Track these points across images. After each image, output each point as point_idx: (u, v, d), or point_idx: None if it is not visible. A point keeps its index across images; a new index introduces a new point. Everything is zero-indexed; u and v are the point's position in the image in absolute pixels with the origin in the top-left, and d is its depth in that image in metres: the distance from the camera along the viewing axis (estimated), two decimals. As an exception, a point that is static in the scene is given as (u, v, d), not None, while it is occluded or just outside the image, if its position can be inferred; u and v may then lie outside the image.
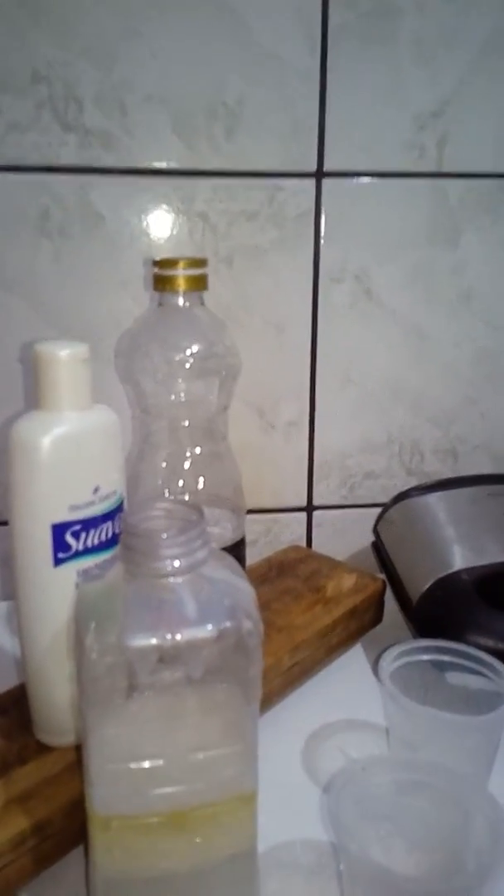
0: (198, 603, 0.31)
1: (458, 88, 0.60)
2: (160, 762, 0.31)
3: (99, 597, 0.32)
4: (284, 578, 0.58)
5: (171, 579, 0.31)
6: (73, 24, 0.54)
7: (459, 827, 0.36)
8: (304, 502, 0.69)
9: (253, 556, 0.63)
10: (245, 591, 0.32)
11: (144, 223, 0.59)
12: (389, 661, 0.43)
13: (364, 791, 0.36)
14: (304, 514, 0.69)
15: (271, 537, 0.69)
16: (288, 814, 0.41)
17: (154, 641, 0.30)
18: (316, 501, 0.69)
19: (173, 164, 0.58)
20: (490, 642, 0.46)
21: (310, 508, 0.69)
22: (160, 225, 0.59)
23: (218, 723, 0.32)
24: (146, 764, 0.31)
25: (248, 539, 0.62)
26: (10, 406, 0.60)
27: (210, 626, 0.30)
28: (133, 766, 0.31)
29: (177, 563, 0.30)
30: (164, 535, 0.31)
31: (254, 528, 0.68)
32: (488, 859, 0.32)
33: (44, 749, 0.40)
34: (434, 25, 0.58)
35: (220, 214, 0.60)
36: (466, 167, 0.62)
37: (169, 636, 0.30)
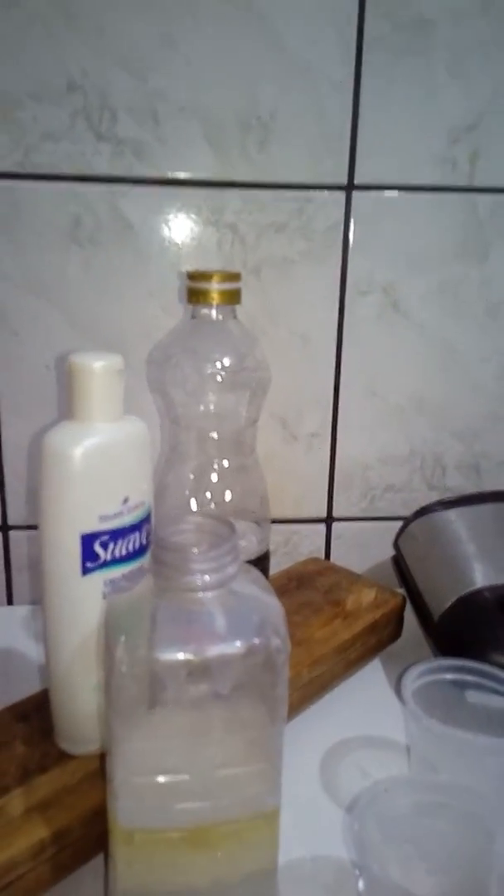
0: (227, 618, 0.31)
1: (493, 101, 0.60)
2: (185, 777, 0.31)
3: (128, 609, 0.32)
4: (304, 591, 0.58)
5: (202, 594, 0.31)
6: (109, 32, 0.55)
7: (481, 850, 0.36)
8: (323, 514, 0.69)
9: (272, 567, 0.63)
10: (273, 607, 0.32)
11: (174, 233, 0.59)
12: (412, 680, 0.43)
13: (386, 811, 0.36)
14: (323, 526, 0.69)
15: (290, 548, 0.69)
16: (305, 829, 0.41)
17: (183, 656, 0.30)
18: (336, 513, 0.69)
19: (204, 175, 0.59)
20: (513, 663, 0.46)
21: (329, 520, 0.69)
22: (189, 235, 0.60)
23: (243, 740, 0.32)
24: (171, 778, 0.31)
25: (269, 551, 0.62)
26: (39, 411, 0.60)
27: (239, 643, 0.30)
28: (158, 779, 0.31)
29: (207, 578, 0.31)
30: (196, 550, 0.31)
31: (273, 538, 0.67)
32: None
33: (65, 757, 0.40)
34: (469, 37, 0.58)
35: (249, 226, 0.60)
36: (498, 182, 0.61)
37: (198, 651, 0.30)
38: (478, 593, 0.52)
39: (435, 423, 0.67)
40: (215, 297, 0.48)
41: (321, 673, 0.51)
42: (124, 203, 0.58)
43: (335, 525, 0.69)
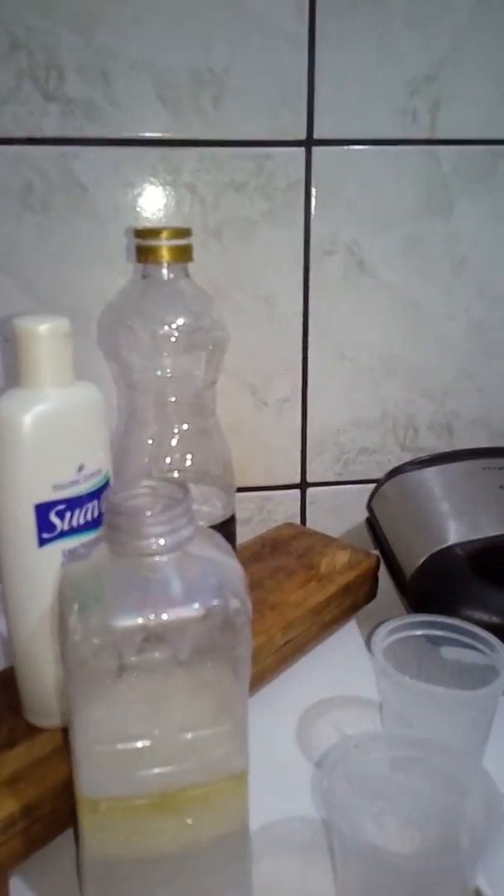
0: (184, 582, 0.30)
1: (451, 51, 0.58)
2: (148, 743, 0.31)
3: (83, 577, 0.31)
4: (277, 556, 0.57)
5: (156, 558, 0.30)
6: (53, -12, 0.53)
7: (454, 803, 0.36)
8: (297, 479, 0.68)
9: (246, 535, 0.63)
10: (232, 569, 0.32)
11: (130, 195, 0.58)
12: (383, 637, 0.43)
13: (357, 768, 0.35)
14: (297, 492, 0.69)
15: (265, 515, 0.68)
16: (281, 792, 0.41)
17: (139, 621, 0.29)
18: (310, 478, 0.68)
19: (159, 134, 0.57)
20: (484, 616, 0.46)
21: (303, 485, 0.69)
22: (146, 197, 0.58)
23: (207, 702, 0.32)
24: (134, 745, 0.31)
25: (241, 517, 0.61)
26: (-4, 385, 0.59)
27: (196, 605, 0.30)
28: (120, 747, 0.31)
29: (161, 542, 0.30)
30: (148, 513, 0.30)
31: (247, 505, 0.67)
32: (482, 835, 0.32)
33: (33, 731, 0.40)
34: (425, -14, 0.57)
35: (207, 185, 0.58)
36: (460, 133, 0.60)
37: (154, 616, 0.29)
38: (449, 550, 0.51)
39: (405, 384, 0.67)
40: (165, 255, 0.47)
41: (295, 636, 0.51)
42: (77, 165, 0.56)
43: (309, 490, 0.69)
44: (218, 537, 0.34)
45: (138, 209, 0.58)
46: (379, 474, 0.67)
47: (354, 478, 0.69)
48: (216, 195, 0.59)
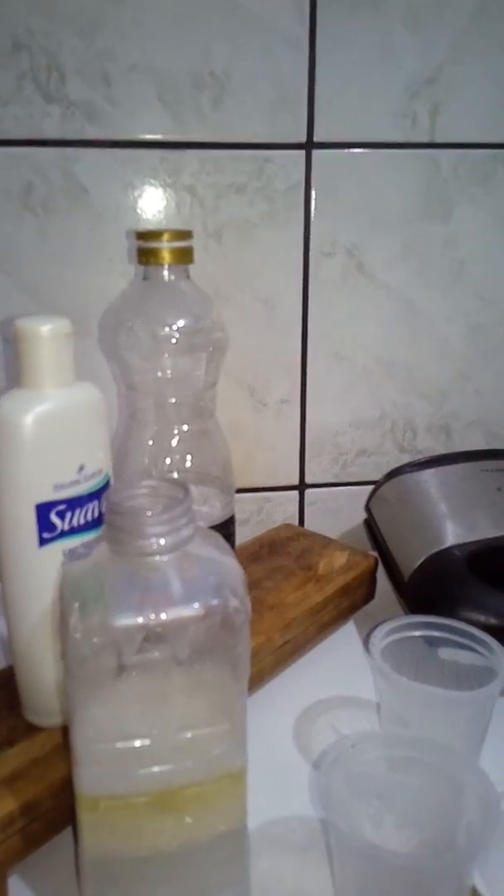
0: (183, 581, 0.30)
1: (451, 54, 0.59)
2: (147, 742, 0.31)
3: (83, 576, 0.31)
4: (276, 556, 0.58)
5: (157, 558, 0.30)
6: (54, -10, 0.53)
7: (450, 802, 0.36)
8: (296, 480, 0.69)
9: (245, 535, 0.63)
10: (232, 569, 0.32)
11: (130, 197, 0.58)
12: (380, 638, 0.43)
13: (354, 768, 0.36)
14: (296, 493, 0.69)
15: (263, 516, 0.69)
16: (279, 791, 0.41)
17: (139, 621, 0.29)
18: (308, 479, 0.69)
19: (159, 136, 0.57)
20: (481, 618, 0.46)
21: (302, 487, 0.69)
22: (147, 198, 0.58)
23: (206, 701, 0.32)
24: (133, 743, 0.31)
25: (239, 518, 0.61)
26: (-3, 385, 0.59)
27: (196, 605, 0.30)
28: (120, 745, 0.31)
29: (162, 542, 0.30)
30: (149, 513, 0.30)
31: (246, 506, 0.67)
32: (479, 834, 0.32)
33: (32, 730, 0.40)
34: (426, -10, 0.57)
35: (207, 187, 0.59)
36: (459, 137, 0.60)
37: (154, 615, 0.29)
38: (447, 551, 0.52)
39: (404, 386, 0.67)
40: (166, 257, 0.47)
41: (294, 636, 0.51)
42: (78, 167, 0.56)
43: (308, 491, 0.69)
44: (217, 537, 0.34)
45: (138, 211, 0.58)
46: (377, 475, 0.67)
47: (352, 479, 0.69)
48: (216, 197, 0.59)
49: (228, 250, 0.60)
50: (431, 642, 0.45)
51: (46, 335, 0.35)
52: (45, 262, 0.58)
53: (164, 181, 0.58)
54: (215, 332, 0.50)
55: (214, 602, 0.30)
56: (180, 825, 0.32)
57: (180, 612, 0.30)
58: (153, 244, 0.47)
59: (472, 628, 0.43)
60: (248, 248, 0.61)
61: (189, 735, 0.31)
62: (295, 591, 0.53)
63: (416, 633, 0.44)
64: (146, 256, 0.48)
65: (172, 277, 0.49)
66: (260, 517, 0.69)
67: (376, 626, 0.44)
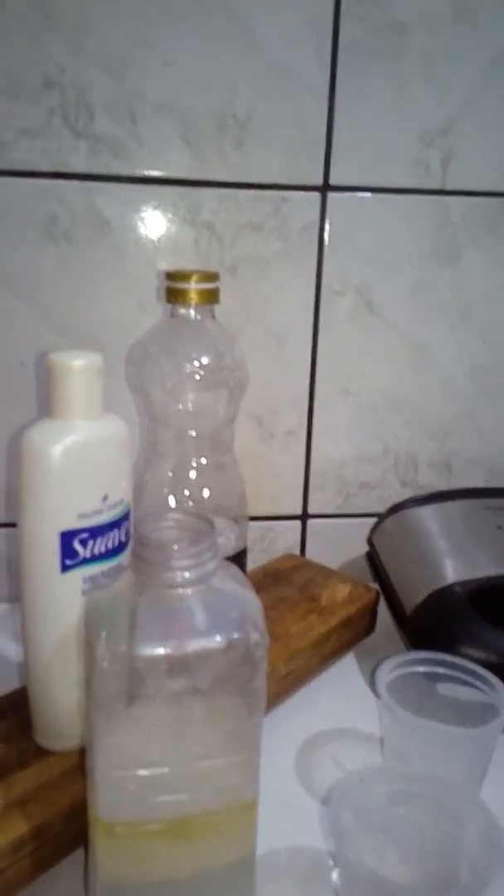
0: (207, 614, 0.31)
1: (465, 107, 0.61)
2: (165, 770, 0.32)
3: (109, 606, 0.32)
4: (280, 587, 0.58)
5: (182, 590, 0.31)
6: (87, 30, 0.55)
7: (453, 837, 0.37)
8: (299, 511, 0.70)
9: (248, 563, 0.64)
10: (252, 603, 0.33)
11: (150, 231, 0.60)
12: (386, 673, 0.44)
13: (361, 801, 0.36)
14: (298, 523, 0.70)
15: (266, 544, 0.70)
16: (281, 821, 0.41)
17: (164, 651, 0.30)
18: (311, 510, 0.70)
19: (181, 174, 0.59)
20: (483, 655, 0.47)
21: (305, 517, 0.70)
22: (166, 233, 0.60)
23: (222, 732, 0.33)
24: (151, 771, 0.32)
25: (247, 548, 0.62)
26: (15, 409, 0.60)
27: (219, 637, 0.31)
28: (138, 773, 0.32)
29: (187, 575, 0.31)
30: (176, 547, 0.31)
31: (249, 534, 0.68)
32: (482, 869, 0.33)
33: (43, 753, 0.40)
34: (442, 43, 0.59)
35: (225, 225, 0.60)
36: (470, 185, 0.63)
37: (179, 646, 0.30)
38: (449, 588, 0.53)
39: (408, 422, 0.68)
40: (194, 297, 0.49)
41: (297, 667, 0.52)
42: (101, 200, 0.58)
43: (310, 522, 0.70)
44: (234, 569, 0.35)
45: (158, 245, 0.60)
46: (379, 508, 0.69)
47: (354, 511, 0.70)
48: (233, 234, 0.61)
49: (243, 285, 0.62)
50: (432, 678, 0.46)
51: (78, 369, 0.36)
52: (65, 291, 0.59)
53: (184, 217, 0.60)
54: (237, 370, 0.51)
55: (236, 635, 0.31)
56: (193, 853, 0.33)
57: (204, 643, 0.31)
58: (181, 285, 0.49)
59: (475, 665, 0.44)
60: (262, 284, 0.62)
61: (205, 765, 0.32)
62: (298, 621, 0.54)
63: (420, 669, 0.45)
64: (175, 296, 0.49)
65: (199, 317, 0.50)
66: (262, 545, 0.70)
67: (381, 662, 0.45)
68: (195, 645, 0.31)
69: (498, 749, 0.42)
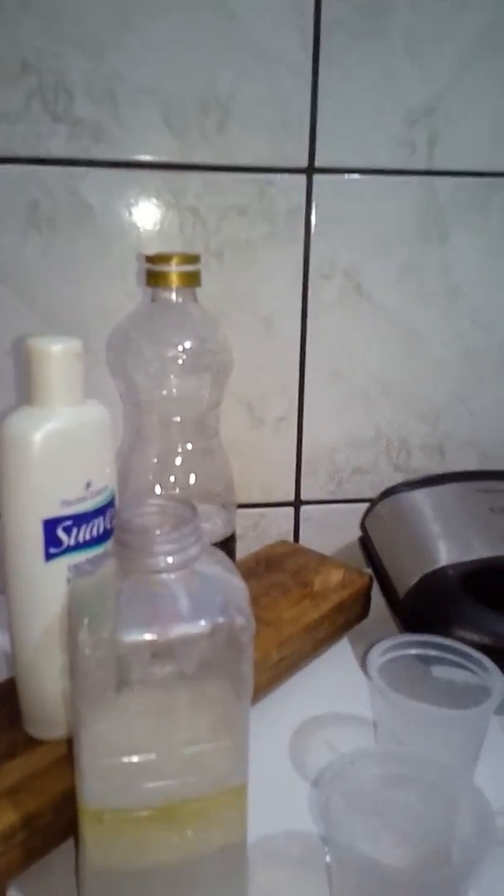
0: (191, 599, 0.31)
1: (450, 85, 0.60)
2: (152, 756, 0.31)
3: (92, 592, 0.32)
4: (272, 573, 0.58)
5: (165, 575, 0.31)
6: (64, 13, 0.54)
7: (445, 819, 0.37)
8: (291, 497, 0.69)
9: (240, 551, 0.63)
10: (237, 587, 0.32)
11: (134, 216, 0.59)
12: (377, 656, 0.44)
13: (352, 784, 0.36)
14: (291, 509, 0.70)
15: (259, 531, 0.69)
16: (275, 806, 0.41)
17: (148, 637, 0.30)
18: (303, 496, 0.69)
19: (164, 157, 0.58)
20: (476, 637, 0.47)
21: (297, 503, 0.70)
22: (150, 218, 0.59)
23: (209, 717, 0.32)
24: (138, 758, 0.31)
25: (236, 533, 0.62)
26: (-2, 398, 0.60)
27: (203, 622, 0.30)
28: (125, 760, 0.31)
29: (170, 560, 0.31)
30: (158, 532, 0.31)
31: (241, 522, 0.68)
32: (474, 850, 0.33)
33: (33, 742, 0.40)
34: (426, 22, 0.59)
35: (210, 208, 0.60)
36: (456, 165, 0.62)
37: (162, 632, 0.30)
38: (441, 571, 0.52)
39: (399, 406, 0.68)
40: (175, 280, 0.48)
41: (290, 653, 0.51)
42: (83, 186, 0.57)
43: (303, 508, 0.70)
44: (221, 555, 0.35)
45: (142, 230, 0.59)
46: (371, 494, 0.68)
47: (347, 496, 0.70)
48: (218, 218, 0.60)
49: (229, 270, 0.61)
50: (426, 661, 0.46)
51: (57, 355, 0.36)
52: (49, 277, 0.59)
53: (168, 201, 0.59)
54: (220, 353, 0.51)
55: (221, 620, 0.31)
56: (182, 839, 0.33)
57: (188, 628, 0.30)
58: (162, 268, 0.48)
59: (468, 647, 0.44)
60: (249, 268, 0.62)
61: (192, 750, 0.32)
62: (291, 607, 0.54)
63: (412, 652, 0.45)
64: (155, 279, 0.49)
65: (180, 300, 0.50)
66: (255, 532, 0.69)
67: (373, 645, 0.45)
68: (179, 630, 0.30)
69: (490, 731, 0.42)
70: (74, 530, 0.37)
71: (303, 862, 0.39)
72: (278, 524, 0.70)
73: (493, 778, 0.42)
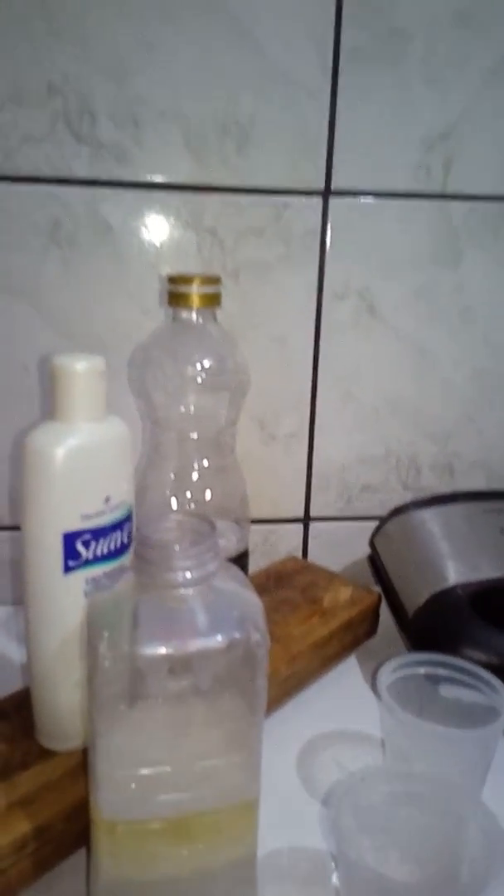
0: (208, 614, 0.32)
1: (466, 111, 0.61)
2: (166, 769, 0.32)
3: (111, 606, 0.33)
4: (282, 589, 0.59)
5: (183, 590, 0.31)
6: (90, 38, 0.55)
7: (453, 838, 0.37)
8: (301, 513, 0.70)
9: (249, 566, 0.64)
10: (253, 603, 0.33)
11: (153, 236, 0.60)
12: (387, 675, 0.44)
13: (361, 801, 0.37)
14: (300, 525, 0.70)
15: (268, 547, 0.70)
16: (283, 822, 0.42)
17: (166, 651, 0.31)
18: (313, 513, 0.70)
19: (183, 179, 0.59)
20: (484, 657, 0.47)
21: (307, 520, 0.70)
22: (169, 238, 0.60)
23: (223, 732, 0.33)
24: (152, 770, 0.32)
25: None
26: (19, 412, 0.61)
27: (220, 637, 0.31)
28: (140, 772, 0.32)
29: (189, 575, 0.31)
30: (177, 548, 0.32)
31: (251, 537, 0.68)
32: (482, 869, 0.33)
33: (46, 753, 0.41)
34: (443, 49, 0.60)
35: (228, 229, 0.61)
36: (471, 189, 0.63)
37: (180, 646, 0.31)
38: (450, 590, 0.53)
39: (409, 425, 0.69)
40: (196, 301, 0.49)
41: (299, 669, 0.52)
42: (104, 206, 0.59)
43: (312, 525, 0.70)
44: (236, 570, 0.36)
45: (160, 249, 0.60)
46: (380, 511, 0.69)
47: (356, 514, 0.71)
48: (235, 239, 0.61)
49: (245, 290, 0.62)
50: (434, 680, 0.46)
51: (81, 372, 0.37)
52: (69, 295, 0.60)
53: (187, 222, 0.60)
54: (239, 373, 0.52)
55: (237, 635, 0.31)
56: (194, 852, 0.33)
57: (205, 643, 0.31)
58: (184, 289, 0.49)
59: (477, 667, 0.45)
60: (264, 289, 0.63)
61: (206, 764, 0.32)
62: (300, 624, 0.54)
63: (422, 671, 0.46)
64: (176, 300, 0.50)
65: (201, 320, 0.51)
66: (265, 548, 0.70)
67: (382, 664, 0.45)
68: (196, 645, 0.31)
69: (499, 751, 0.42)
70: (93, 544, 0.38)
71: (311, 878, 0.39)
72: (287, 540, 0.70)
73: (501, 797, 0.42)
